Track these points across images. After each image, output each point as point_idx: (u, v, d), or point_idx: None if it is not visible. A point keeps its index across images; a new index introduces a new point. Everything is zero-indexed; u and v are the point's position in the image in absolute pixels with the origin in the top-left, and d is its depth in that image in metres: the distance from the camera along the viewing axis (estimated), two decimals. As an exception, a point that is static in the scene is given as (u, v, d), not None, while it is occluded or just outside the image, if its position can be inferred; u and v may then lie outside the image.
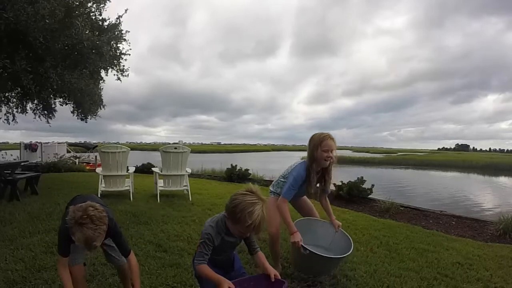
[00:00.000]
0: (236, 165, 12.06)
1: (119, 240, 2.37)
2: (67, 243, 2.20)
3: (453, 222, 6.54)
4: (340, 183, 8.54)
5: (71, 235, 2.00)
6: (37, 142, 17.75)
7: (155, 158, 18.52)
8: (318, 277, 3.30)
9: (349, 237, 3.27)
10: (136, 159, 20.30)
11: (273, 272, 2.02)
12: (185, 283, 3.13)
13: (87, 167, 15.54)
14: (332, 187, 8.69)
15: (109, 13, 12.24)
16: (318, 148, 3.12)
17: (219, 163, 18.63)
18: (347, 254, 3.05)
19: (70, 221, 1.97)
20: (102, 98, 11.72)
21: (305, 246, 2.89)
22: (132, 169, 8.28)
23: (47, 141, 18.40)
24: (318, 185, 3.39)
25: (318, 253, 2.91)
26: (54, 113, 11.08)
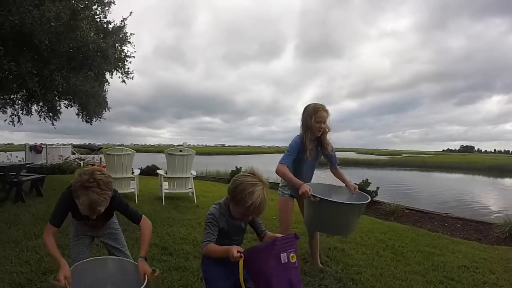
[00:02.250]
0: (241, 167, 12.03)
1: (127, 210, 2.38)
2: (65, 213, 2.19)
3: (459, 225, 6.51)
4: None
5: (76, 198, 2.00)
6: (42, 143, 17.80)
7: (159, 160, 18.54)
8: (339, 234, 3.38)
9: (367, 195, 3.16)
10: (141, 161, 20.35)
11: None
12: (191, 286, 3.12)
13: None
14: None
15: (114, 16, 12.29)
16: (312, 118, 3.24)
17: (224, 165, 18.63)
18: (364, 202, 2.96)
19: (76, 184, 1.97)
20: (107, 100, 11.77)
21: (315, 194, 2.84)
22: (137, 172, 8.30)
23: (52, 143, 18.48)
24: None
25: (329, 199, 2.87)
26: (59, 115, 11.11)
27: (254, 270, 1.79)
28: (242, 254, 1.75)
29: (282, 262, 1.79)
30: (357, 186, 3.36)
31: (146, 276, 2.00)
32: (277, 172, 3.22)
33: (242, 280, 1.75)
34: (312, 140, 3.33)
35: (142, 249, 2.24)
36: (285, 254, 1.82)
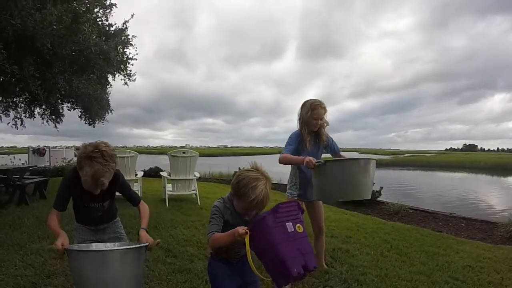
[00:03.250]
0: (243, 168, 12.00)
1: (129, 191, 2.40)
2: (68, 194, 2.18)
3: (463, 224, 6.50)
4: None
5: (80, 170, 2.00)
6: (45, 146, 17.81)
7: (162, 161, 18.55)
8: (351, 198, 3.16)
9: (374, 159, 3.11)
10: (144, 162, 20.39)
11: None
12: (196, 288, 3.10)
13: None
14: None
15: (115, 18, 12.33)
16: (309, 114, 3.30)
17: (227, 166, 18.62)
18: (368, 158, 2.95)
19: (80, 155, 1.97)
20: (109, 102, 11.81)
21: (318, 160, 2.87)
22: (140, 174, 8.30)
23: (55, 146, 18.48)
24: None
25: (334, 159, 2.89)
26: (61, 117, 11.14)
27: (262, 243, 1.76)
28: (247, 230, 1.74)
29: (289, 231, 1.77)
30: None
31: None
32: (280, 161, 3.28)
33: (250, 258, 1.73)
34: (310, 133, 3.38)
35: (143, 222, 2.26)
36: (291, 223, 1.81)
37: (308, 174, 3.34)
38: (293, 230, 1.79)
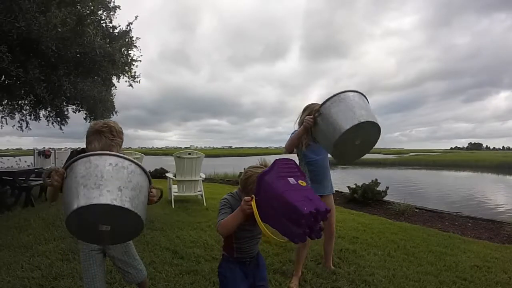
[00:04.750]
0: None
1: None
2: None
3: (469, 224, 6.45)
4: (354, 186, 8.48)
5: (87, 145, 2.00)
6: (50, 148, 17.84)
7: (167, 162, 18.56)
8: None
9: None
10: (149, 164, 20.42)
11: None
12: (203, 290, 3.09)
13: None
14: (346, 190, 8.68)
15: (119, 21, 12.38)
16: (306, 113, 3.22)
17: (232, 167, 18.62)
18: (356, 91, 2.75)
19: (90, 130, 1.98)
20: (114, 104, 11.83)
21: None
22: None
23: (60, 147, 18.53)
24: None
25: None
26: (67, 120, 11.16)
27: (268, 201, 1.72)
28: (252, 196, 1.74)
29: (291, 183, 1.75)
30: None
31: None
32: (287, 147, 3.23)
33: (260, 220, 1.70)
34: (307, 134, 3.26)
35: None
36: (293, 178, 1.79)
37: (319, 162, 3.36)
38: (296, 183, 1.76)
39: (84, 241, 1.89)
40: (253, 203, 1.72)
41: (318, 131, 2.78)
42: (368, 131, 2.58)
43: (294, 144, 3.20)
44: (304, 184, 1.79)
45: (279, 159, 1.85)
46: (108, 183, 1.69)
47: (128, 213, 1.68)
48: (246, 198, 1.75)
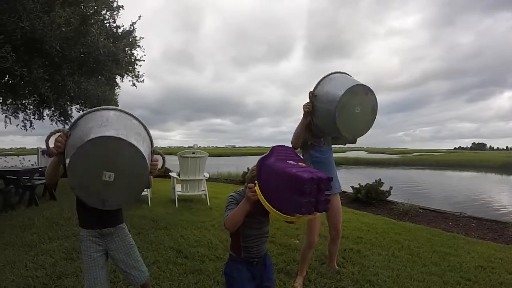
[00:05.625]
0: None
1: None
2: None
3: (473, 224, 6.42)
4: (358, 186, 8.46)
5: None
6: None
7: (170, 162, 18.54)
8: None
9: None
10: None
11: None
12: (208, 290, 3.09)
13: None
14: (349, 190, 8.66)
15: (123, 20, 12.41)
16: None
17: (235, 166, 18.61)
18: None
19: None
20: (118, 103, 11.87)
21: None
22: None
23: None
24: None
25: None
26: (70, 119, 11.20)
27: (271, 181, 1.73)
28: (255, 182, 1.75)
29: (291, 163, 1.77)
30: None
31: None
32: (293, 141, 3.19)
33: (264, 200, 1.71)
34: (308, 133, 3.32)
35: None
36: (292, 161, 1.81)
37: (324, 160, 3.31)
38: (295, 164, 1.78)
39: (87, 202, 1.83)
40: (257, 187, 1.74)
41: (318, 113, 2.92)
42: (363, 97, 2.73)
43: (299, 136, 3.16)
44: (304, 165, 1.80)
45: (277, 145, 1.88)
46: (113, 125, 1.73)
47: (135, 153, 1.71)
48: (250, 184, 1.76)
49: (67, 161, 1.70)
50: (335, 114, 2.65)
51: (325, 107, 2.79)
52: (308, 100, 2.95)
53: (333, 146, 3.48)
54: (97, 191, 1.76)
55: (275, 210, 1.68)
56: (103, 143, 1.64)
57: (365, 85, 2.69)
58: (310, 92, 2.92)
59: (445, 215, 7.12)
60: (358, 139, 3.11)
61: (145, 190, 7.45)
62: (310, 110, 2.93)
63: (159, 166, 2.10)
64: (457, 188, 17.44)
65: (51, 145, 1.87)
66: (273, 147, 1.86)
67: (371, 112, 2.82)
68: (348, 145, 3.61)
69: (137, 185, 1.85)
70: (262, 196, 1.71)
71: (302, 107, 2.98)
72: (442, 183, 20.80)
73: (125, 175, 1.75)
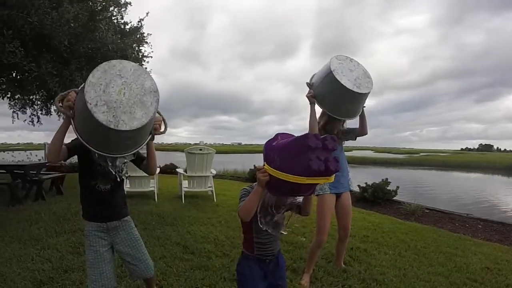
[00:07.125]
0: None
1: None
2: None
3: (480, 226, 6.38)
4: (364, 185, 8.43)
5: None
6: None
7: (176, 158, 18.59)
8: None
9: None
10: (159, 159, 20.50)
11: None
12: (214, 286, 3.09)
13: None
14: (356, 189, 8.63)
15: (131, 17, 12.42)
16: None
17: (241, 163, 18.61)
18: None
19: None
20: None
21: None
22: (157, 170, 8.33)
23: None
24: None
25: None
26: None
27: (279, 158, 1.70)
28: (263, 165, 1.74)
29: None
30: None
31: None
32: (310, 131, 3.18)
33: (278, 172, 1.66)
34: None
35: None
36: None
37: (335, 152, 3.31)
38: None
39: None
40: (266, 166, 1.70)
41: (320, 95, 3.07)
42: (349, 63, 2.97)
43: (315, 125, 3.19)
44: None
45: (280, 133, 1.84)
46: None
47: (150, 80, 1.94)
48: (259, 166, 1.74)
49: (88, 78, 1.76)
50: (333, 75, 2.81)
51: (324, 86, 2.99)
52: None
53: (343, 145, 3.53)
54: (114, 108, 1.74)
55: (290, 175, 1.61)
56: (116, 69, 1.87)
57: (347, 57, 3.02)
58: (307, 83, 3.15)
59: (452, 216, 7.08)
60: (362, 137, 3.34)
61: (152, 186, 7.44)
62: (313, 94, 3.07)
63: (162, 129, 2.12)
64: (464, 189, 17.33)
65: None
66: (277, 133, 1.83)
67: (364, 70, 3.01)
68: (354, 144, 3.62)
69: (145, 114, 1.85)
70: (274, 170, 1.66)
71: (306, 98, 3.12)
72: (449, 184, 20.69)
73: (135, 94, 1.86)
